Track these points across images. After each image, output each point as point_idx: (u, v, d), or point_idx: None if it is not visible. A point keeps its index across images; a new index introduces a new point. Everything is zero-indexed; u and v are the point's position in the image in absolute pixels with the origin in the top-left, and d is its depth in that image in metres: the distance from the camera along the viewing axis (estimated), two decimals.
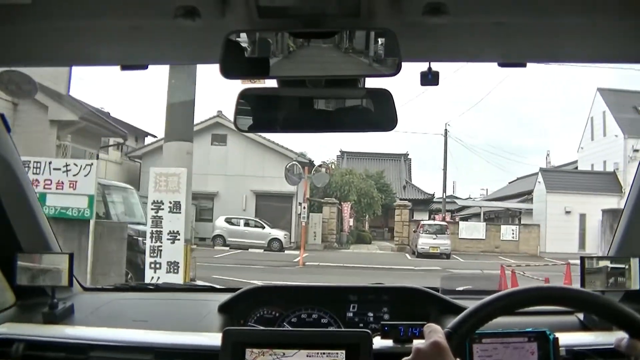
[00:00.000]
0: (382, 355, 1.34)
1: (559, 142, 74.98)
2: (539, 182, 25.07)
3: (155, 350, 1.47)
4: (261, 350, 1.29)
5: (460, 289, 1.86)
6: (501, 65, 1.37)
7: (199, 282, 5.69)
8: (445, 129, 26.85)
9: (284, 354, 1.29)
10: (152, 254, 6.63)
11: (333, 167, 30.95)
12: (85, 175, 7.03)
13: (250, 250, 20.94)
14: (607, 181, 23.76)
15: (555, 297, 1.04)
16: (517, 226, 25.35)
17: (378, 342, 1.38)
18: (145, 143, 25.98)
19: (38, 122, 11.53)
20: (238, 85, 1.46)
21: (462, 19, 1.14)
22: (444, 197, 27.58)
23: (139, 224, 9.03)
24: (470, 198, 33.33)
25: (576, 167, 28.36)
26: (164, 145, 7.09)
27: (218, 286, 2.14)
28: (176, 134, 6.87)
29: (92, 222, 7.10)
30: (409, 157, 41.08)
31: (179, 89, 7.00)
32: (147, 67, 1.41)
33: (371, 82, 1.30)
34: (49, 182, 6.93)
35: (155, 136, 25.38)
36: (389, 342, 1.40)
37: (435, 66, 1.31)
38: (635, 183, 1.66)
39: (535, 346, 1.13)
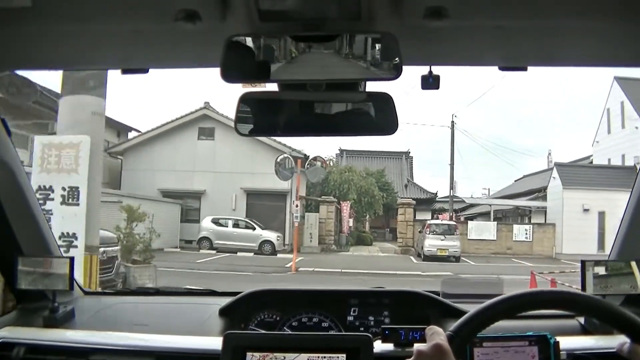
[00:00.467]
0: (382, 359, 1.39)
1: (559, 142, 75.37)
2: (554, 177, 24.02)
3: (155, 354, 1.51)
4: (262, 354, 1.32)
5: (461, 292, 1.84)
6: (502, 69, 1.41)
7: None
8: (452, 121, 24.60)
9: (284, 357, 1.32)
10: None
11: (331, 164, 28.74)
12: None
13: (239, 254, 19.88)
14: (627, 176, 21.44)
15: (556, 300, 1.04)
16: (531, 226, 24.06)
17: (379, 346, 1.41)
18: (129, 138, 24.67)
19: None
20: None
21: (463, 23, 1.17)
22: (452, 194, 25.78)
23: None
24: (472, 197, 30.75)
25: (591, 162, 27.20)
26: (60, 102, 4.53)
27: (219, 290, 2.14)
28: (77, 83, 4.31)
29: None
30: (410, 155, 40.44)
31: None
32: (147, 71, 1.43)
33: (372, 86, 1.34)
34: None
35: (139, 131, 23.02)
36: (389, 346, 1.44)
37: (436, 70, 1.35)
38: (636, 186, 1.69)
39: (536, 350, 1.15)
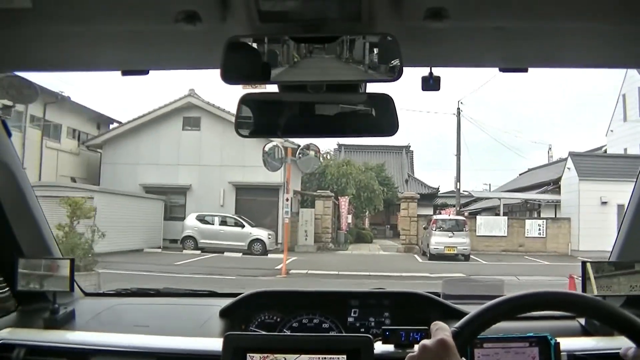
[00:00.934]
0: None
1: (559, 138, 70.34)
2: (569, 168, 22.89)
3: (156, 356, 1.56)
4: (262, 355, 1.37)
5: (462, 293, 1.90)
6: (502, 70, 1.43)
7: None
8: (458, 108, 22.57)
9: (285, 359, 1.36)
10: None
11: (329, 157, 26.76)
12: None
13: (226, 254, 18.40)
14: None
15: (557, 302, 1.05)
16: (544, 221, 22.72)
17: (379, 347, 1.46)
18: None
19: None
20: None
21: (463, 24, 1.21)
22: (458, 187, 24.29)
23: None
24: (477, 191, 28.79)
25: (605, 152, 26.06)
26: None
27: (219, 291, 2.19)
28: None
29: None
30: (410, 149, 39.41)
31: None
32: (147, 72, 1.46)
33: (372, 87, 1.37)
34: None
35: (120, 122, 20.96)
36: (390, 347, 1.48)
37: (437, 71, 1.39)
38: (636, 187, 1.74)
39: (537, 351, 1.18)
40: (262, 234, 19.46)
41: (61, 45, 1.37)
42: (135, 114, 22.44)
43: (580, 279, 1.65)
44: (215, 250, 18.64)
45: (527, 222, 22.69)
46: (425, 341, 0.93)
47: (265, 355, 1.33)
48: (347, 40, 1.19)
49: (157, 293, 2.18)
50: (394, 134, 1.32)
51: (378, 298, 1.85)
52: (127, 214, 18.20)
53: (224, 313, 1.81)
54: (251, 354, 1.33)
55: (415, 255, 20.46)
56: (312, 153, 14.70)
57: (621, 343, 1.04)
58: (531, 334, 1.18)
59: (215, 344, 1.45)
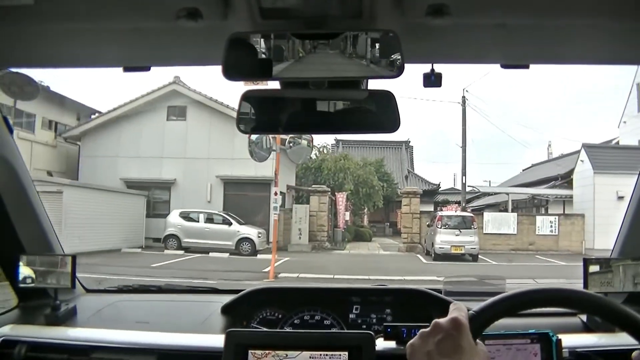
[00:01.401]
0: (384, 357, 1.47)
1: (558, 135, 70.27)
2: (582, 161, 22.08)
3: (157, 352, 1.57)
4: (264, 351, 1.38)
5: (463, 290, 1.89)
6: (504, 66, 1.44)
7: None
8: (463, 96, 20.77)
9: (286, 355, 1.38)
10: None
11: (325, 151, 25.20)
12: None
13: (211, 254, 16.91)
14: None
15: (559, 298, 1.03)
16: (557, 217, 21.57)
17: (381, 344, 1.49)
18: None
19: None
20: None
21: (465, 21, 1.23)
22: (464, 181, 22.74)
23: None
24: (482, 186, 27.12)
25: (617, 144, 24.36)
26: None
27: (221, 287, 2.19)
28: None
29: None
30: (410, 144, 38.27)
31: None
32: (149, 69, 1.48)
33: (374, 84, 1.41)
34: None
35: (100, 112, 19.25)
36: (391, 344, 1.50)
37: (438, 68, 1.41)
38: (637, 185, 1.75)
39: (538, 347, 1.18)
40: (251, 232, 18.19)
41: (63, 42, 1.40)
42: (117, 103, 20.57)
43: None
44: (200, 250, 17.58)
45: (538, 218, 21.68)
46: (438, 319, 0.92)
47: (267, 351, 1.36)
48: (348, 36, 1.20)
49: (159, 289, 2.19)
50: (395, 131, 1.36)
51: (379, 294, 1.88)
52: (104, 211, 17.50)
53: (226, 310, 1.84)
54: (253, 351, 1.36)
55: (419, 255, 19.47)
56: (304, 142, 13.07)
57: (623, 340, 1.12)
58: (533, 331, 1.18)
59: (216, 340, 1.49)
